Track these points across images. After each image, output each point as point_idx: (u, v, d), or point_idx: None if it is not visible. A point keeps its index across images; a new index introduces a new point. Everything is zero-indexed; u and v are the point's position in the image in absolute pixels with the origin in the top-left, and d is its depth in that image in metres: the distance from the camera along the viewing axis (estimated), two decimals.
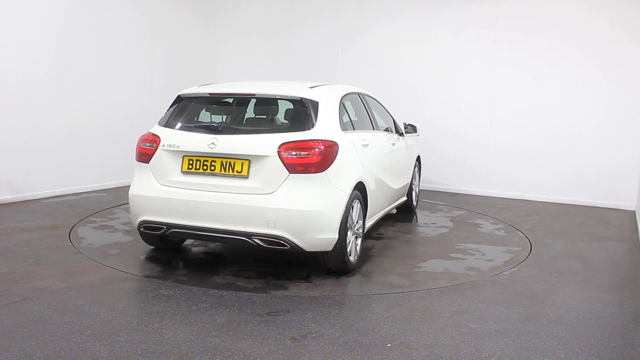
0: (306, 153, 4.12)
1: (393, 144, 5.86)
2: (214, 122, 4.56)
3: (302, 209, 4.07)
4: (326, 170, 4.16)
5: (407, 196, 6.73)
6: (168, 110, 4.85)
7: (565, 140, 7.86)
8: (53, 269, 4.41)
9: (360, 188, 4.64)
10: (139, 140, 4.67)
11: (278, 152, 4.12)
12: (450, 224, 6.45)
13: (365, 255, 5.04)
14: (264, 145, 4.18)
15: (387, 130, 6.08)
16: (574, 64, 7.71)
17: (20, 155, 6.98)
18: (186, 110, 4.78)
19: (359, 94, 5.62)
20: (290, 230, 4.07)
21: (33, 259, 4.67)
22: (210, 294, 3.95)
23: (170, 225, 4.37)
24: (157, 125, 4.72)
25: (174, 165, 4.41)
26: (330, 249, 4.25)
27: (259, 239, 4.12)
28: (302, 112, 4.42)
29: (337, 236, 4.21)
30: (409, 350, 3.15)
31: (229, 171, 4.24)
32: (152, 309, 3.64)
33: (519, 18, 7.98)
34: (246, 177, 4.19)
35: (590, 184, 7.76)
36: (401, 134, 6.35)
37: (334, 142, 4.29)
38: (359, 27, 9.14)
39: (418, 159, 7.15)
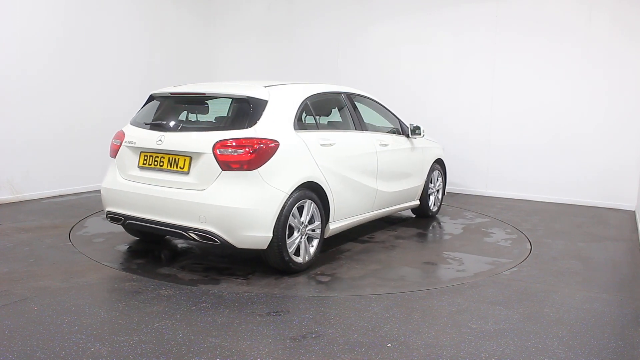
0: (240, 151, 4.16)
1: (385, 145, 5.67)
2: (162, 120, 4.72)
3: (229, 206, 4.12)
4: (259, 169, 4.17)
5: (419, 200, 6.51)
6: (140, 108, 5.06)
7: (565, 140, 7.86)
8: (53, 269, 4.41)
9: (314, 188, 4.59)
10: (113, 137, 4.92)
11: (212, 149, 4.19)
12: (460, 232, 6.14)
13: (333, 257, 4.97)
14: (201, 142, 4.28)
15: (392, 131, 6.03)
16: (574, 64, 7.71)
17: (20, 155, 6.99)
18: (153, 108, 4.94)
19: (345, 93, 5.56)
20: (219, 226, 4.14)
21: (33, 259, 4.67)
22: (210, 294, 3.95)
23: (126, 217, 4.62)
24: (128, 123, 4.94)
25: (133, 161, 4.65)
26: (265, 247, 4.26)
27: (193, 233, 4.24)
28: (246, 111, 4.45)
29: (271, 235, 4.20)
30: (409, 350, 3.15)
31: (173, 167, 4.40)
32: (152, 309, 3.64)
33: (519, 18, 7.98)
34: (187, 173, 4.32)
35: (590, 184, 7.76)
36: (407, 136, 6.23)
37: (272, 140, 4.27)
38: (360, 27, 9.14)
39: (439, 162, 6.85)
